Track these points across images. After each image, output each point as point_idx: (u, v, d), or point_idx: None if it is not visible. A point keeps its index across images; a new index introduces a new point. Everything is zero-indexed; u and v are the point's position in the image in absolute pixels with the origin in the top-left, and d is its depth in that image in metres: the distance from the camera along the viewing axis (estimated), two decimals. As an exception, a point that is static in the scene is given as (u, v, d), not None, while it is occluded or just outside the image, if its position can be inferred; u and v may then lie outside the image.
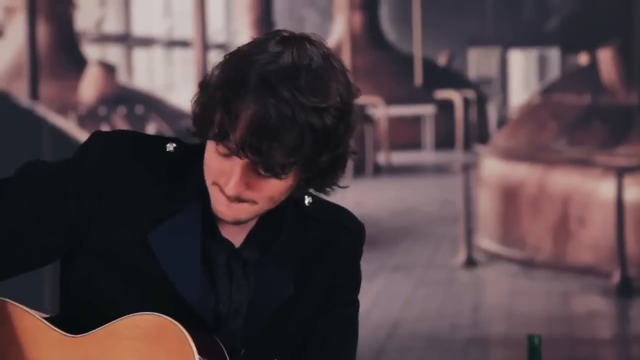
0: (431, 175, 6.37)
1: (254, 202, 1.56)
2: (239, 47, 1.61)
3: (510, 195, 6.40)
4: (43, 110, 6.04)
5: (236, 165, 1.54)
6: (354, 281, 1.70)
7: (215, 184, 1.58)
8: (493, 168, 6.62)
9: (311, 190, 1.63)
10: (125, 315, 1.57)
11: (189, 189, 1.62)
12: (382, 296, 5.73)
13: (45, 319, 1.64)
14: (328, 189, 1.59)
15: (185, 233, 1.60)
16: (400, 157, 6.56)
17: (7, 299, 1.64)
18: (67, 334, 1.60)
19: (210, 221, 1.62)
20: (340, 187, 1.59)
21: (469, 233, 6.24)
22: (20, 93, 6.32)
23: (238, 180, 1.53)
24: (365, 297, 5.75)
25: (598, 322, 5.68)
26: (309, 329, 1.65)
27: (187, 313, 1.57)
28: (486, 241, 6.31)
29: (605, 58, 6.59)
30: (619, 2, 6.84)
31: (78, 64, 7.71)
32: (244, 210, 1.57)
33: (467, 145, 6.65)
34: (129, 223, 1.60)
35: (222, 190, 1.56)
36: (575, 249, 6.02)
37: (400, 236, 6.11)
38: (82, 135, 5.91)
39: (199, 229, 1.60)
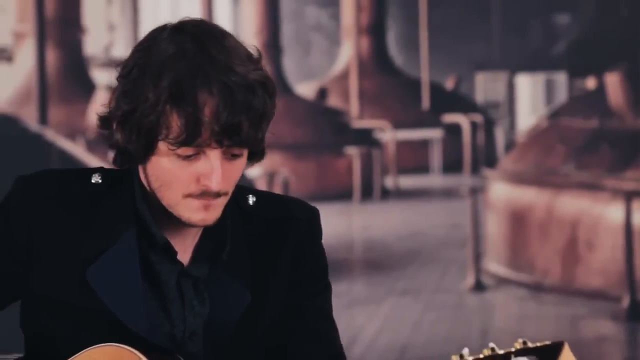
0: (439, 199, 6.36)
1: (226, 194, 1.54)
2: (133, 60, 1.57)
3: (518, 219, 6.39)
4: (52, 135, 6.06)
5: (212, 158, 1.49)
6: (316, 269, 1.65)
7: (187, 195, 1.54)
8: (501, 192, 6.61)
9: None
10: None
11: (122, 218, 1.58)
12: (390, 320, 5.71)
13: None
14: (264, 152, 1.58)
15: (123, 264, 1.56)
16: (407, 181, 6.56)
17: None
18: None
19: (154, 245, 1.59)
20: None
21: (477, 257, 6.22)
22: (30, 118, 6.35)
23: (221, 172, 1.51)
24: (373, 321, 5.75)
25: (607, 346, 5.66)
26: (280, 330, 1.62)
27: (138, 342, 1.55)
28: (494, 265, 6.30)
29: (613, 82, 6.59)
30: (626, 27, 6.84)
31: (87, 88, 7.74)
32: (220, 205, 1.53)
33: (475, 169, 6.64)
34: (64, 266, 1.57)
35: (198, 197, 1.53)
36: (584, 273, 6.00)
37: (408, 260, 6.10)
38: (90, 160, 5.92)
39: (136, 258, 1.56)
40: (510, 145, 7.33)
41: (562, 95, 7.34)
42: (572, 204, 6.17)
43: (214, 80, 1.49)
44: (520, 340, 1.33)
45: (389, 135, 6.90)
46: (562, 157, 6.51)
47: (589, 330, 5.74)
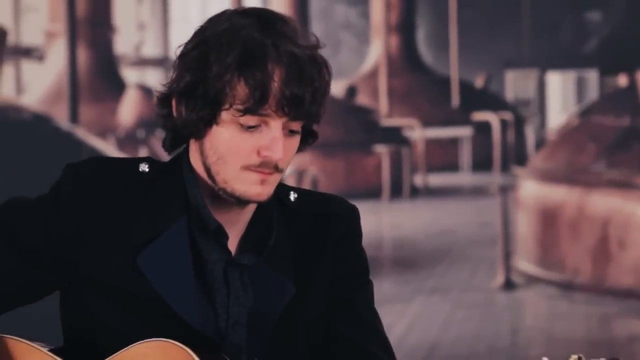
0: (468, 197, 6.34)
1: (281, 171, 1.55)
2: (197, 37, 1.60)
3: (548, 218, 6.36)
4: (83, 133, 6.10)
5: (274, 128, 1.51)
6: (358, 264, 1.66)
7: (246, 167, 1.55)
8: (531, 190, 6.58)
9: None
10: (125, 342, 1.57)
11: (173, 204, 1.59)
12: (420, 319, 5.70)
13: (50, 350, 1.64)
14: (314, 139, 1.60)
15: (174, 251, 1.57)
16: (437, 179, 6.54)
17: (12, 336, 1.64)
18: None
19: (204, 230, 1.60)
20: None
21: (507, 255, 6.19)
22: (61, 116, 6.39)
23: (282, 141, 1.52)
24: (403, 319, 5.73)
25: (639, 345, 5.62)
26: (321, 326, 1.62)
27: (187, 331, 1.55)
28: (524, 263, 6.27)
29: (645, 79, 6.54)
30: (657, 23, 6.78)
31: (117, 87, 7.78)
32: (275, 181, 1.55)
33: (505, 167, 6.62)
34: (114, 252, 1.58)
35: (256, 169, 1.54)
36: (616, 271, 5.96)
37: (438, 258, 6.09)
38: (120, 158, 5.95)
39: (187, 245, 1.58)
40: (540, 143, 7.29)
41: (593, 92, 7.30)
42: (603, 203, 6.14)
43: (283, 50, 1.52)
44: (575, 356, 1.33)
45: (418, 133, 6.89)
46: (593, 155, 6.47)
47: (620, 330, 5.70)
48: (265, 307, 1.59)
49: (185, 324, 1.55)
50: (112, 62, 8.16)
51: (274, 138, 1.51)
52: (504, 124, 7.09)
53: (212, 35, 1.56)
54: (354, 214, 1.67)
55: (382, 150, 7.67)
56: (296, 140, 1.55)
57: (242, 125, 1.52)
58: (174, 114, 1.55)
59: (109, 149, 6.24)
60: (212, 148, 1.55)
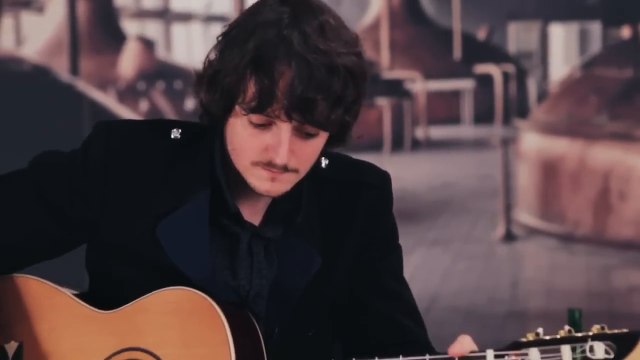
0: (470, 150, 6.34)
1: (296, 171, 1.55)
2: (235, 21, 1.58)
3: (550, 170, 6.37)
4: (83, 86, 6.08)
5: (282, 131, 1.51)
6: (388, 232, 1.67)
7: (255, 163, 1.55)
8: (533, 142, 6.57)
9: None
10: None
11: (197, 178, 1.60)
12: (420, 270, 5.73)
13: (74, 295, 1.66)
14: (348, 141, 1.58)
15: (193, 223, 1.58)
16: (438, 132, 6.54)
17: (36, 277, 1.66)
18: (98, 310, 1.62)
19: (226, 209, 1.60)
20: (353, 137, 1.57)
21: (508, 207, 6.21)
22: (61, 68, 6.37)
23: (288, 145, 1.51)
24: (404, 270, 5.73)
25: (638, 296, 5.65)
26: (355, 293, 1.63)
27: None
28: (525, 216, 6.28)
29: (648, 31, 6.51)
30: (662, -26, 6.75)
31: (117, 39, 7.74)
32: (288, 181, 1.55)
33: (507, 120, 6.61)
34: (135, 218, 1.60)
35: (265, 167, 1.54)
36: (616, 223, 5.98)
37: (439, 211, 6.10)
38: (121, 111, 5.95)
39: (206, 218, 1.58)
40: (542, 95, 7.26)
41: (596, 44, 7.26)
42: (604, 155, 6.14)
43: (295, 54, 1.49)
44: (598, 326, 1.34)
45: (419, 85, 6.87)
46: (595, 107, 6.46)
47: (620, 281, 5.73)
48: (290, 279, 1.60)
49: (202, 291, 1.56)
50: (111, 13, 8.12)
51: (280, 141, 1.51)
52: (506, 76, 7.06)
53: (244, 24, 1.54)
54: (386, 182, 1.67)
55: (383, 102, 7.65)
56: (315, 142, 1.54)
57: (251, 122, 1.52)
58: (201, 95, 1.56)
59: (110, 101, 6.23)
60: (229, 137, 1.57)
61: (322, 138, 1.55)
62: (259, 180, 1.55)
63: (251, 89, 1.53)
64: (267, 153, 1.54)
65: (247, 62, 1.52)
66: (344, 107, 1.53)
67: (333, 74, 1.51)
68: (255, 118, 1.54)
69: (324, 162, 1.66)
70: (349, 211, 1.65)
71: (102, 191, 1.61)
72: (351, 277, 1.64)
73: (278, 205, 1.63)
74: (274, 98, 1.50)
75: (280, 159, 1.52)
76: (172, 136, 1.63)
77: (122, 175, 1.61)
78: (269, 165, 1.55)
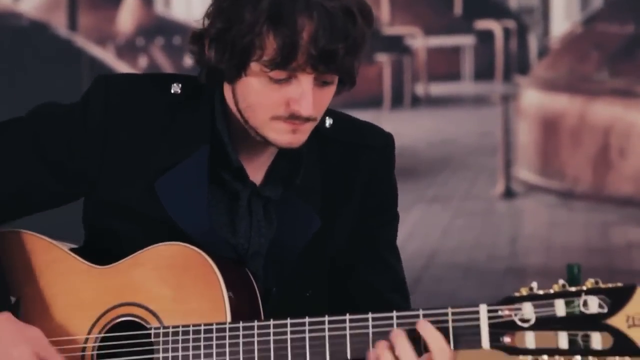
0: (470, 107, 6.32)
1: (314, 120, 1.54)
2: None
3: (550, 127, 6.35)
4: (81, 41, 6.05)
5: (304, 83, 1.49)
6: (388, 199, 1.67)
7: (276, 117, 1.54)
8: (533, 99, 6.55)
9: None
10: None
11: (197, 134, 1.59)
12: (420, 227, 5.74)
13: (71, 249, 1.67)
14: (352, 85, 1.57)
15: (192, 179, 1.58)
16: (438, 88, 6.51)
17: (32, 232, 1.66)
18: (94, 266, 1.62)
19: (227, 165, 1.60)
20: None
21: (508, 164, 6.20)
22: (59, 24, 6.34)
23: (311, 97, 1.50)
24: (403, 227, 5.75)
25: (637, 252, 5.66)
26: (346, 257, 1.64)
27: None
28: (525, 172, 6.28)
29: (650, -14, 6.47)
30: None
31: (116, -6, 7.70)
32: (308, 130, 1.55)
33: (507, 76, 6.58)
34: (135, 173, 1.59)
35: (287, 120, 1.53)
36: (616, 179, 5.98)
37: (438, 167, 6.10)
38: (120, 66, 5.93)
39: (205, 174, 1.58)
40: (543, 52, 7.23)
41: (597, 0, 7.20)
42: (604, 111, 6.12)
43: (314, 5, 1.48)
44: (592, 280, 1.34)
45: (420, 42, 6.83)
46: (596, 63, 6.43)
47: (618, 237, 5.74)
48: (289, 239, 1.61)
49: (200, 248, 1.56)
50: (110, -32, 8.07)
51: (304, 93, 1.50)
52: (506, 32, 7.02)
53: None
54: (389, 145, 1.67)
55: (383, 59, 7.61)
56: (331, 89, 1.54)
57: (271, 78, 1.51)
58: (206, 55, 1.54)
59: (108, 57, 6.20)
60: (242, 95, 1.55)
61: (335, 83, 1.55)
62: (280, 134, 1.54)
63: (271, 45, 1.51)
64: (290, 107, 1.53)
65: (264, 19, 1.50)
66: (359, 51, 1.53)
67: (350, 19, 1.51)
68: (275, 74, 1.52)
69: (328, 122, 1.65)
70: (351, 173, 1.64)
71: (101, 146, 1.61)
72: (348, 241, 1.64)
73: (278, 165, 1.62)
74: (298, 51, 1.49)
75: (305, 110, 1.51)
76: (172, 91, 1.62)
77: (122, 131, 1.61)
78: (291, 118, 1.54)
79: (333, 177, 1.63)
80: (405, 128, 6.23)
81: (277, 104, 1.53)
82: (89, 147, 1.61)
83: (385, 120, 6.03)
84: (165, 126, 1.60)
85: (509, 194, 6.09)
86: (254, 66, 1.53)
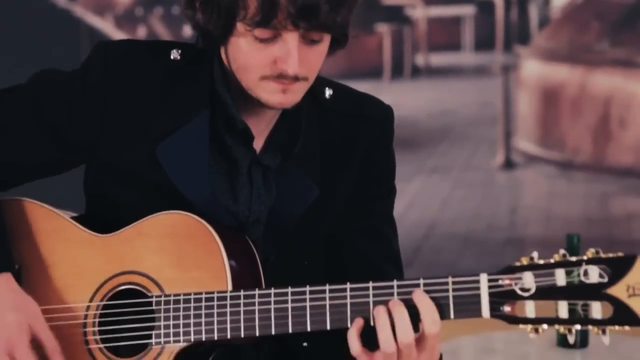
0: (470, 77, 6.31)
1: (305, 79, 1.54)
2: None
3: (550, 97, 6.34)
4: (80, 11, 6.03)
5: (289, 41, 1.49)
6: (386, 171, 1.67)
7: (265, 77, 1.54)
8: (533, 69, 6.54)
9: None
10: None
11: (197, 98, 1.58)
12: (419, 197, 5.75)
13: (72, 217, 1.67)
14: (345, 44, 1.56)
15: (193, 144, 1.58)
16: (438, 59, 6.50)
17: (34, 200, 1.66)
18: (96, 234, 1.62)
19: (231, 128, 1.60)
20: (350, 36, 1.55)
21: (508, 135, 6.20)
22: (58, -7, 6.31)
23: (297, 55, 1.50)
24: (402, 198, 5.78)
25: (637, 223, 5.67)
26: (342, 227, 1.64)
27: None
28: (525, 143, 6.28)
29: (652, -45, 6.44)
30: None
31: (115, -37, 7.66)
32: (300, 90, 1.54)
33: (508, 47, 6.56)
34: (135, 139, 1.59)
35: (275, 79, 1.53)
36: (616, 150, 5.98)
37: (438, 138, 6.10)
38: (119, 36, 5.91)
39: (207, 139, 1.58)
40: (544, 22, 7.20)
41: (599, -30, 7.17)
42: (605, 81, 6.11)
43: None
44: (593, 250, 1.34)
45: (420, 12, 6.81)
46: (596, 33, 6.41)
47: (618, 208, 5.75)
48: (287, 207, 1.60)
49: (199, 213, 1.56)
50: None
51: (289, 51, 1.49)
52: (507, 2, 6.99)
53: None
54: (388, 117, 1.66)
55: (383, 29, 7.59)
56: (320, 48, 1.52)
57: (256, 37, 1.50)
58: (197, 17, 1.53)
59: (107, 27, 6.18)
60: (232, 56, 1.55)
61: (326, 42, 1.54)
62: (271, 94, 1.54)
63: (252, 3, 1.50)
64: (277, 66, 1.53)
65: None
66: (346, 7, 1.52)
67: None
68: (259, 32, 1.51)
69: (328, 92, 1.65)
70: (350, 144, 1.64)
71: (101, 112, 1.60)
72: (344, 212, 1.64)
73: (277, 134, 1.62)
74: (278, 8, 1.48)
75: (292, 69, 1.51)
76: (172, 57, 1.62)
77: (121, 96, 1.60)
78: (279, 77, 1.53)
79: (332, 147, 1.63)
80: (405, 99, 6.22)
81: (264, 64, 1.53)
82: (88, 112, 1.60)
83: (385, 90, 6.02)
84: (165, 92, 1.60)
85: (508, 164, 6.10)
86: (240, 26, 1.53)
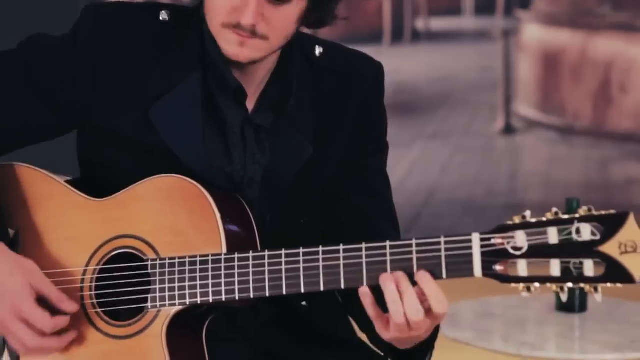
0: (470, 42, 6.29)
1: (265, 38, 1.53)
2: None
3: (551, 62, 6.32)
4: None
5: None
6: (378, 128, 1.67)
7: (225, 25, 1.54)
8: (534, 34, 6.51)
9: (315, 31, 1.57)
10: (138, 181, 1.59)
11: (188, 58, 1.58)
12: (419, 163, 5.74)
13: (67, 182, 1.67)
14: (330, 19, 1.55)
15: (186, 105, 1.57)
16: (439, 23, 6.47)
17: (29, 165, 1.66)
18: (91, 198, 1.63)
19: (223, 87, 1.60)
20: (340, 17, 1.55)
21: (508, 100, 6.19)
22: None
23: (255, 6, 1.50)
24: (402, 164, 5.79)
25: (636, 188, 5.67)
26: (337, 184, 1.64)
27: (200, 183, 1.57)
28: (525, 108, 6.27)
29: None
30: None
31: None
32: (257, 48, 1.53)
33: (508, 11, 6.53)
34: (127, 101, 1.59)
35: (234, 29, 1.53)
36: (616, 115, 5.97)
37: (438, 103, 6.09)
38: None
39: (199, 100, 1.58)
40: (545, -14, 7.17)
41: None
42: (606, 46, 6.09)
43: None
44: (586, 207, 1.34)
45: (420, -24, 6.76)
46: (598, -2, 6.38)
47: (618, 173, 5.75)
48: (282, 166, 1.60)
49: (194, 174, 1.57)
50: None
51: (247, 2, 1.49)
52: (508, -34, 6.95)
53: None
54: (379, 74, 1.65)
55: (383, -6, 7.55)
56: (287, 10, 1.51)
57: None
58: None
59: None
60: (205, 3, 1.55)
61: (294, 7, 1.52)
62: (228, 44, 1.54)
63: None
64: (236, 14, 1.53)
65: None
66: None
67: None
68: None
69: (318, 51, 1.64)
70: (342, 102, 1.64)
71: (93, 74, 1.60)
72: (338, 169, 1.64)
73: (269, 93, 1.62)
74: None
75: (246, 19, 1.51)
76: (161, 18, 1.61)
77: (112, 58, 1.60)
78: (237, 27, 1.53)
79: (324, 105, 1.63)
80: (405, 63, 6.20)
81: (224, 10, 1.52)
82: (80, 74, 1.60)
83: (385, 55, 6.01)
84: (156, 53, 1.59)
85: (508, 130, 6.09)
86: None
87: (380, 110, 1.67)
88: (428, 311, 1.42)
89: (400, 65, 6.08)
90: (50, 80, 1.61)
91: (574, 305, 3.02)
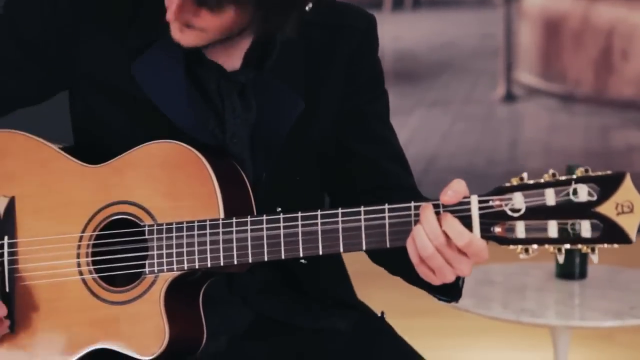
0: (471, 8, 6.25)
1: (202, 30, 1.52)
2: None
3: (552, 29, 6.29)
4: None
5: None
6: (374, 77, 1.64)
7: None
8: (535, 0, 6.48)
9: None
10: (132, 145, 1.58)
11: (163, 15, 1.57)
12: (420, 131, 5.73)
13: (61, 148, 1.66)
14: (291, 23, 1.51)
15: (168, 60, 1.56)
16: (439, -10, 6.43)
17: (23, 132, 1.65)
18: (86, 164, 1.62)
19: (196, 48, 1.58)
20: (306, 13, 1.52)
21: (509, 67, 6.16)
22: None
23: (176, 6, 1.49)
24: (403, 132, 5.77)
25: (637, 155, 5.67)
26: (340, 138, 1.63)
27: (184, 139, 1.57)
28: (526, 75, 6.24)
29: None
30: None
31: None
32: (196, 37, 1.51)
33: (509, -22, 6.49)
34: (110, 53, 1.58)
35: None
36: (617, 83, 5.94)
37: (439, 71, 6.06)
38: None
39: (180, 55, 1.57)
40: (546, -47, 7.12)
41: None
42: (608, 13, 6.05)
43: None
44: (582, 168, 1.33)
45: (420, -57, 6.72)
46: (600, -36, 6.34)
47: (618, 140, 5.73)
48: (273, 123, 1.58)
49: (178, 129, 1.56)
50: None
51: None
52: None
53: None
54: (370, 25, 1.63)
55: (384, -39, 7.50)
56: (207, 18, 1.48)
57: None
58: None
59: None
60: None
61: (217, 16, 1.49)
62: (173, 29, 1.54)
63: None
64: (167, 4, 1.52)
65: None
66: None
67: None
68: None
69: (308, 6, 1.62)
70: (334, 55, 1.61)
71: (75, 25, 1.59)
72: (337, 125, 1.62)
73: (253, 50, 1.60)
74: None
75: (168, 14, 1.50)
76: None
77: (93, 7, 1.59)
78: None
79: (315, 59, 1.61)
80: (406, 31, 6.17)
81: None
82: (61, 26, 1.59)
83: (386, 22, 5.97)
84: (136, 5, 1.59)
85: (509, 97, 6.07)
86: None
87: (373, 61, 1.64)
88: (450, 244, 1.40)
89: (401, 33, 6.05)
90: (34, 33, 1.60)
91: (574, 272, 3.02)
